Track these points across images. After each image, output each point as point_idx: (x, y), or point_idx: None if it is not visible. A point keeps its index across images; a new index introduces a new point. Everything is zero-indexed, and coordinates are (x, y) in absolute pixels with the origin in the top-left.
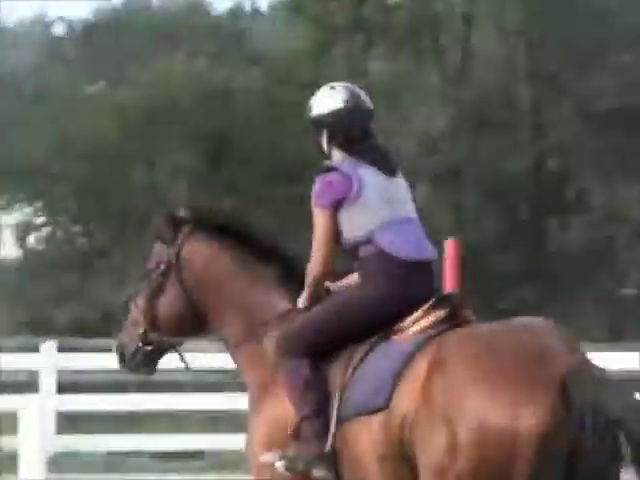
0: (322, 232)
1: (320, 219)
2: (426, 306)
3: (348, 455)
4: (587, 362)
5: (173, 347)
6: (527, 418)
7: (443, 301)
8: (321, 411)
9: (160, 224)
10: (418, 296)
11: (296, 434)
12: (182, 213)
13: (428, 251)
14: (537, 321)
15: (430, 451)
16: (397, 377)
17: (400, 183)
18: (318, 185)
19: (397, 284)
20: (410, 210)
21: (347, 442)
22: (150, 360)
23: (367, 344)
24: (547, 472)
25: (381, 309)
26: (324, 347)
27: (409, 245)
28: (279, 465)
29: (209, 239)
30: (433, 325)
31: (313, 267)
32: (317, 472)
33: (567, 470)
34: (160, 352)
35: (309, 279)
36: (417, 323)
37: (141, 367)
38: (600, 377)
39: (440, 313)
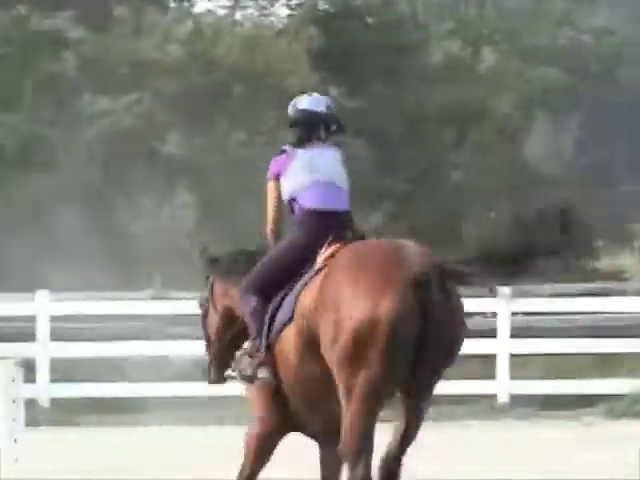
0: (269, 198)
1: (268, 188)
2: (328, 242)
3: (281, 359)
4: (437, 267)
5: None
6: (384, 307)
7: (340, 237)
8: (261, 332)
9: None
10: (328, 236)
11: (248, 351)
12: (205, 269)
13: (336, 204)
14: (402, 239)
15: (325, 329)
16: (300, 293)
17: (334, 156)
18: (271, 163)
19: (310, 229)
20: (332, 175)
21: (280, 350)
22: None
23: (293, 281)
24: (399, 350)
25: (301, 250)
26: (269, 285)
27: (320, 199)
28: (235, 375)
29: (221, 282)
30: (332, 254)
31: (267, 225)
32: (261, 374)
33: (415, 351)
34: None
35: (266, 234)
36: (323, 255)
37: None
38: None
39: (337, 245)
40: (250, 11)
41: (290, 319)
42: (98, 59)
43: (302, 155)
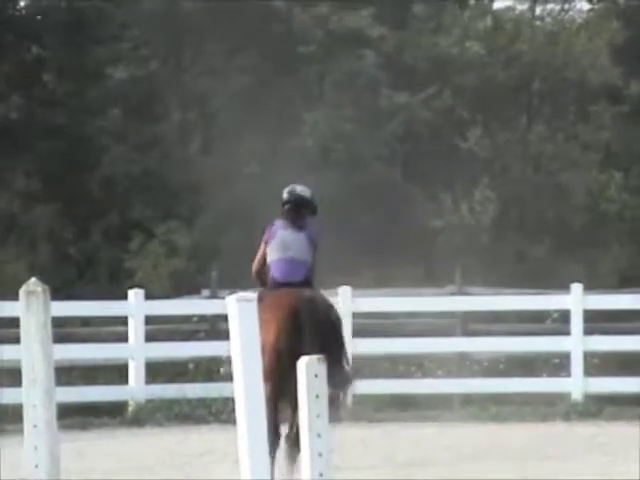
0: (258, 253)
1: (260, 248)
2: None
3: None
4: (314, 299)
5: None
6: (272, 328)
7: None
8: None
9: None
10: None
11: None
12: None
13: (292, 277)
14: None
15: None
16: None
17: (300, 237)
18: (265, 230)
19: (273, 291)
20: (296, 252)
21: None
22: None
23: None
24: (285, 359)
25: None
26: None
27: (281, 274)
28: None
29: None
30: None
31: (253, 268)
32: None
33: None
34: None
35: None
36: None
37: None
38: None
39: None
40: (550, 6)
41: None
42: (397, 56)
43: (279, 236)
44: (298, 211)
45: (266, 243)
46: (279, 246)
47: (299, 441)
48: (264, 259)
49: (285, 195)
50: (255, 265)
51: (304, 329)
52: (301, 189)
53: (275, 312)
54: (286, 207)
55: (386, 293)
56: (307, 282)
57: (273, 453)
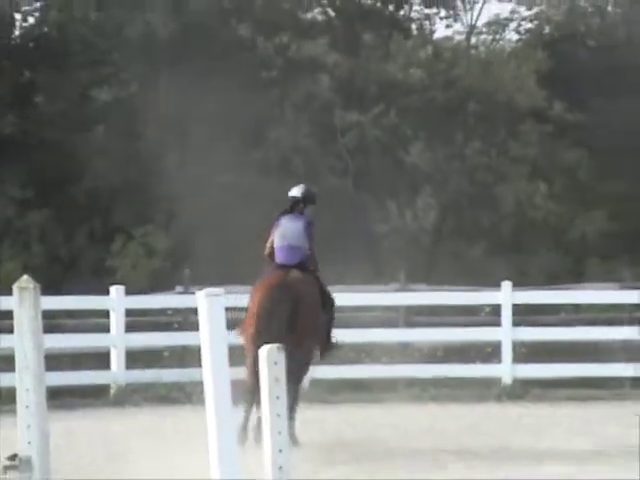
0: (268, 241)
1: (270, 236)
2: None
3: None
4: (288, 278)
5: None
6: (255, 302)
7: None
8: None
9: None
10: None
11: None
12: None
13: (289, 261)
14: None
15: None
16: None
17: (297, 226)
18: (274, 221)
19: (274, 271)
20: (293, 240)
21: None
22: None
23: None
24: (263, 331)
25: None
26: None
27: (280, 258)
28: None
29: None
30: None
31: (265, 253)
32: None
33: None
34: None
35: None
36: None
37: None
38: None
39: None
40: (484, 37)
41: None
42: (350, 80)
43: (281, 225)
44: (296, 206)
45: (273, 232)
46: (280, 235)
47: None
48: (272, 244)
49: (288, 194)
50: (266, 249)
51: (276, 308)
52: (297, 189)
53: (260, 288)
54: (288, 204)
55: (339, 290)
56: (302, 264)
57: (249, 410)
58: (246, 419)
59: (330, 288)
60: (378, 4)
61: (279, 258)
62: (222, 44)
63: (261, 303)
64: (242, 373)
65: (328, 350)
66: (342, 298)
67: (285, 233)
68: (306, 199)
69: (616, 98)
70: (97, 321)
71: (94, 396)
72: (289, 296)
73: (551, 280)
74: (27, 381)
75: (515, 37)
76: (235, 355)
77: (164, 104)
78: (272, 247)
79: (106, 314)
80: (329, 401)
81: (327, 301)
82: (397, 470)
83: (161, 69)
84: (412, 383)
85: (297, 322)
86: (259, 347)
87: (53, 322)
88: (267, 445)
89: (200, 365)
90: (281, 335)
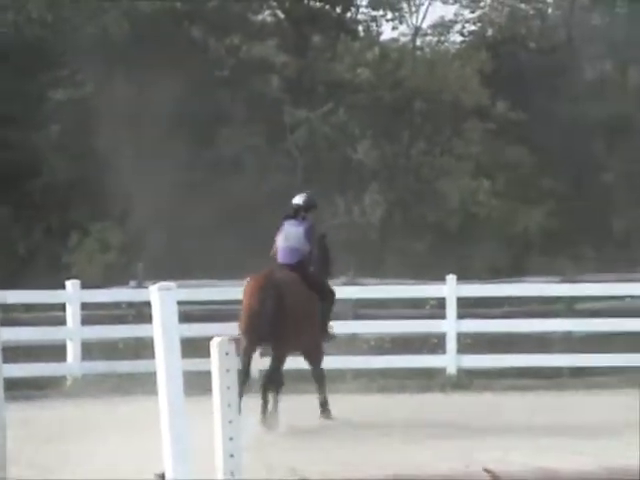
0: (275, 243)
1: (276, 238)
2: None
3: None
4: (276, 273)
5: None
6: (246, 296)
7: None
8: None
9: None
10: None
11: None
12: None
13: (288, 260)
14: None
15: None
16: None
17: (298, 230)
18: (280, 226)
19: (261, 272)
20: (294, 242)
21: None
22: None
23: None
24: (254, 321)
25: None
26: None
27: (281, 257)
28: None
29: None
30: None
31: (271, 254)
32: None
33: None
34: None
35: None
36: None
37: None
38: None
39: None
40: (429, 38)
41: None
42: (298, 79)
43: (284, 229)
44: (298, 212)
45: (277, 235)
46: (283, 237)
47: (270, 378)
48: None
49: (292, 202)
50: (273, 248)
51: (261, 307)
52: (299, 197)
53: (248, 288)
54: (291, 210)
55: None
56: (300, 264)
57: (242, 390)
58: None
59: None
60: (326, 7)
61: (281, 257)
62: (175, 45)
63: (247, 303)
64: (193, 365)
65: (323, 338)
66: None
67: (288, 236)
68: (307, 206)
69: (556, 98)
70: (54, 314)
71: (51, 387)
72: (272, 295)
73: (494, 274)
74: None
75: (459, 39)
76: (187, 347)
77: (118, 103)
78: (275, 248)
79: (62, 307)
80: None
81: (324, 293)
82: (346, 458)
83: (115, 70)
84: (360, 374)
85: (285, 318)
86: (251, 343)
87: (11, 315)
88: (217, 434)
89: (154, 357)
90: (268, 332)
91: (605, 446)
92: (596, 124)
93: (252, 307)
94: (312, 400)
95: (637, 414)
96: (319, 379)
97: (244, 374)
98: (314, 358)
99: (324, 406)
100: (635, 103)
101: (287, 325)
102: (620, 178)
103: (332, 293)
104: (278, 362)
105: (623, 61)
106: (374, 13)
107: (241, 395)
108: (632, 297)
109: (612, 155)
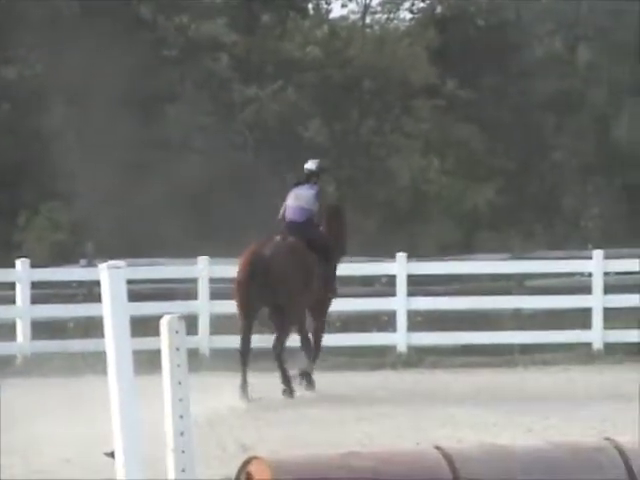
0: (283, 206)
1: (286, 199)
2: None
3: None
4: (266, 246)
5: None
6: (238, 269)
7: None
8: None
9: None
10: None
11: None
12: None
13: (296, 218)
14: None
15: None
16: None
17: (309, 192)
18: (289, 191)
19: (286, 227)
20: (304, 202)
21: None
22: None
23: None
24: (245, 294)
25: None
26: None
27: (290, 214)
28: None
29: None
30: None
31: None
32: None
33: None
34: None
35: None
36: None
37: None
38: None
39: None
40: (378, 16)
41: None
42: (247, 58)
43: (295, 191)
44: (310, 177)
45: (286, 197)
46: (294, 197)
47: (279, 348)
48: (284, 208)
49: (305, 167)
50: (281, 212)
51: (250, 279)
52: (312, 163)
53: (239, 261)
54: (304, 175)
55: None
56: (308, 222)
57: (245, 361)
58: (243, 379)
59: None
60: None
61: (289, 215)
62: (124, 24)
63: (238, 276)
64: (143, 344)
65: (329, 295)
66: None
67: (299, 196)
68: (319, 170)
69: (505, 75)
70: (3, 293)
71: (0, 366)
72: (260, 268)
73: (444, 251)
74: None
75: (408, 16)
76: (137, 326)
77: (67, 82)
78: (284, 210)
79: (12, 286)
80: (230, 369)
81: (328, 253)
82: (297, 436)
83: (65, 48)
84: None
85: (276, 287)
86: (246, 315)
87: None
88: (167, 412)
89: (104, 336)
90: (259, 301)
91: (555, 423)
92: (545, 102)
93: (241, 281)
94: (267, 378)
95: (584, 390)
96: (313, 347)
97: (244, 354)
98: (317, 313)
99: (309, 377)
100: (584, 80)
101: (278, 296)
102: (569, 155)
103: (334, 251)
104: (282, 332)
105: (572, 38)
106: None
107: (244, 379)
108: (582, 274)
109: (561, 132)
